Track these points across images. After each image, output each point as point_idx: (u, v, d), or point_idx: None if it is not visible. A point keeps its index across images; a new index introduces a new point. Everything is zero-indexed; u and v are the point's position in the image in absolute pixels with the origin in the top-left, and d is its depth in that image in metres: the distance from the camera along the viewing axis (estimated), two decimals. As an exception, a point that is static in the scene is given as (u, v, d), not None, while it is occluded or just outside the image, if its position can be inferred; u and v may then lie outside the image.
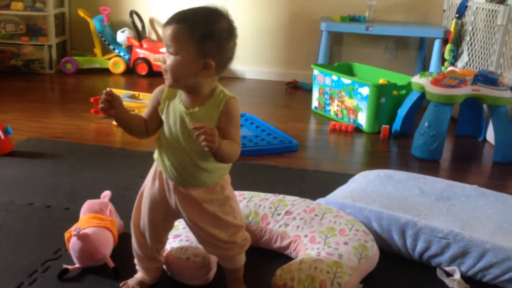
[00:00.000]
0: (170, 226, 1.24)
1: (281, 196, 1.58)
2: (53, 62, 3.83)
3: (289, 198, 1.56)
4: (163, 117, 1.11)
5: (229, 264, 1.22)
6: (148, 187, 1.18)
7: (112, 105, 1.06)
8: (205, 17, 1.02)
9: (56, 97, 3.31)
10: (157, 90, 1.14)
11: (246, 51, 3.91)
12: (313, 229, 1.42)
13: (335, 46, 3.89)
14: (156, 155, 1.16)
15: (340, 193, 1.68)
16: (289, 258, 1.42)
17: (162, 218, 1.18)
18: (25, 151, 2.17)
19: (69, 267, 1.30)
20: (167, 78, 1.05)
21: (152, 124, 1.13)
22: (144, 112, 1.15)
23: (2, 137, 2.10)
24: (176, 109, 1.10)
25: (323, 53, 3.54)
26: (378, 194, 1.63)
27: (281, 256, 1.43)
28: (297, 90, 3.74)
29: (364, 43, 3.87)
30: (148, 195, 1.18)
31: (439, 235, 1.38)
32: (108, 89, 1.06)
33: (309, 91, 3.57)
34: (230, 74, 4.03)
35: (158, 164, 1.15)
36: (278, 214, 1.49)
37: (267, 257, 1.44)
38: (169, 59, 1.03)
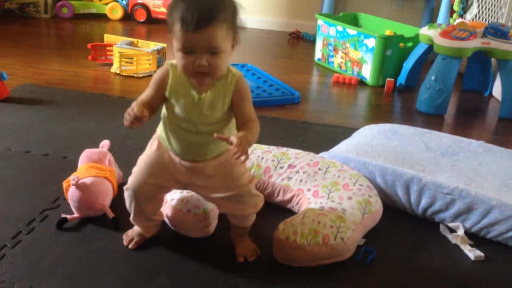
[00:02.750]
0: (168, 191, 1.22)
1: (284, 149, 1.54)
2: (49, 6, 3.70)
3: (292, 151, 1.53)
4: (172, 101, 1.06)
5: (242, 222, 1.21)
6: (148, 154, 1.14)
7: (140, 122, 1.01)
8: (217, 3, 0.96)
9: (52, 42, 3.21)
10: (159, 76, 1.07)
11: (248, -2, 3.78)
12: (317, 183, 1.39)
13: (340, -5, 3.76)
14: (160, 132, 1.12)
15: (343, 147, 1.65)
16: (291, 212, 1.40)
17: (161, 185, 1.15)
18: (20, 97, 2.11)
19: (68, 216, 1.28)
20: (209, 77, 1.01)
21: (157, 105, 1.09)
22: (145, 95, 1.08)
23: (-2, 82, 2.04)
24: (186, 94, 1.05)
25: (328, 3, 3.42)
26: (383, 149, 1.60)
27: (283, 210, 1.41)
28: (300, 41, 3.65)
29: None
30: (148, 160, 1.13)
31: (444, 191, 1.35)
32: (135, 109, 1.00)
33: (312, 42, 3.48)
34: (231, 23, 3.92)
35: (164, 143, 1.12)
36: (281, 167, 1.46)
37: (269, 210, 1.41)
38: (214, 59, 0.97)
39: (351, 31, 2.73)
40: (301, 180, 1.41)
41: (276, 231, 1.20)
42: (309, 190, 1.38)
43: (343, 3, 3.79)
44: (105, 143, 1.51)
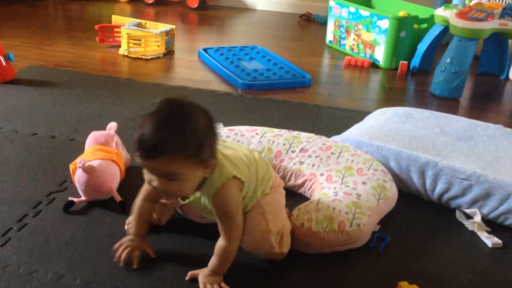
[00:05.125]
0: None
1: (296, 132, 1.50)
2: (56, -13, 3.65)
3: (304, 135, 1.48)
4: None
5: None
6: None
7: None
8: (185, 127, 0.88)
9: (59, 24, 3.17)
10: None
11: (258, -21, 3.71)
12: (330, 167, 1.35)
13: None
14: None
15: (356, 131, 1.60)
16: (303, 197, 1.37)
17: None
18: (27, 79, 2.08)
19: (75, 199, 1.25)
20: (173, 197, 1.04)
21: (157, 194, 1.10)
22: (146, 192, 1.11)
23: (4, 64, 2.00)
24: None
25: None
26: (397, 133, 1.55)
27: (295, 195, 1.38)
28: (310, 23, 3.57)
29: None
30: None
31: (461, 176, 1.31)
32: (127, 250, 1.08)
33: (323, 24, 3.41)
34: (240, 5, 3.84)
35: None
36: (293, 151, 1.42)
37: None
38: (169, 185, 0.92)
39: (364, 12, 2.66)
40: (313, 165, 1.38)
41: (290, 218, 1.17)
42: (322, 174, 1.35)
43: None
44: (112, 125, 1.48)
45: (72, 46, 2.61)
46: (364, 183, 1.28)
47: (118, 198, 1.26)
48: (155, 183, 0.92)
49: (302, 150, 1.42)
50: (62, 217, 1.22)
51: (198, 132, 0.90)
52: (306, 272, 1.10)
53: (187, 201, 1.04)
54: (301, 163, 1.39)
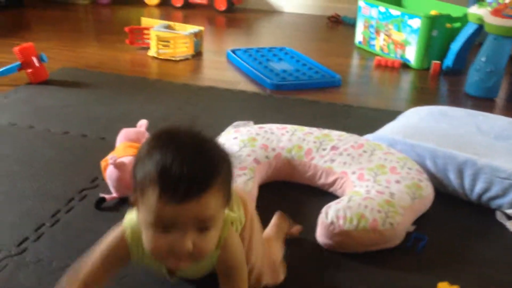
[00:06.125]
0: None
1: (326, 130, 1.47)
2: (87, -8, 3.72)
3: (335, 133, 1.46)
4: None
5: None
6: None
7: None
8: (213, 158, 0.68)
9: (90, 27, 3.22)
10: (113, 246, 0.79)
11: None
12: (362, 165, 1.32)
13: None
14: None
15: (389, 130, 1.56)
16: (334, 196, 1.34)
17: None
18: (60, 80, 2.11)
19: (106, 196, 1.25)
20: (191, 261, 0.70)
21: (107, 276, 0.80)
22: (90, 270, 0.79)
23: (37, 65, 2.04)
24: (156, 269, 0.82)
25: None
26: (432, 131, 1.51)
27: (326, 194, 1.35)
28: (339, 25, 3.54)
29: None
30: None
31: (502, 175, 1.26)
32: None
33: (352, 25, 3.37)
34: (268, 8, 3.84)
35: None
36: (324, 149, 1.39)
37: (310, 194, 1.36)
38: (203, 238, 0.68)
39: (395, 11, 2.61)
40: (345, 163, 1.35)
41: (320, 215, 1.14)
42: (353, 173, 1.31)
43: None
44: (142, 123, 1.48)
45: (103, 48, 2.64)
46: (398, 181, 1.24)
47: (148, 195, 1.25)
48: (180, 243, 0.66)
49: (333, 148, 1.39)
50: (93, 213, 1.22)
51: (225, 164, 0.70)
52: (340, 272, 1.07)
53: (181, 270, 0.81)
54: (332, 161, 1.36)
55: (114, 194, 1.26)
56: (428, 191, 1.25)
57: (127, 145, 1.34)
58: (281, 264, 1.02)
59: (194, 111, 1.88)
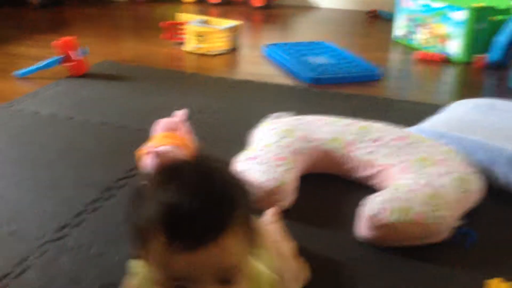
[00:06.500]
0: None
1: (367, 122, 1.43)
2: (125, -11, 3.77)
3: (375, 125, 1.41)
4: None
5: None
6: None
7: None
8: (227, 190, 0.55)
9: (128, 23, 3.27)
10: None
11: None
12: (405, 158, 1.27)
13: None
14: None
15: (433, 123, 1.51)
16: (374, 190, 1.29)
17: None
18: (99, 73, 2.14)
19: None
20: None
21: None
22: None
23: (78, 58, 2.07)
24: None
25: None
26: (479, 124, 1.44)
27: (365, 187, 1.30)
28: (377, 20, 3.46)
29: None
30: None
31: (556, 169, 1.19)
32: None
33: (390, 20, 3.29)
34: (304, 3, 3.80)
35: None
36: (364, 141, 1.35)
37: (350, 186, 1.32)
38: None
39: (437, 4, 2.53)
40: (386, 155, 1.30)
41: (361, 207, 1.10)
42: (396, 165, 1.26)
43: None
44: (180, 113, 1.47)
45: (139, 43, 2.67)
46: (444, 174, 1.19)
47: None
48: None
49: (374, 140, 1.34)
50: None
51: (246, 197, 0.58)
52: (385, 266, 1.03)
53: None
54: (373, 153, 1.32)
55: (152, 184, 1.25)
56: (476, 185, 1.19)
57: (164, 135, 1.33)
58: (300, 264, 0.93)
59: (230, 104, 1.86)
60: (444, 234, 1.10)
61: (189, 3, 3.78)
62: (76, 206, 1.19)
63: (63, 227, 1.11)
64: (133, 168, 1.37)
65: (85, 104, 1.82)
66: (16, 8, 3.33)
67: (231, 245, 0.52)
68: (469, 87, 2.18)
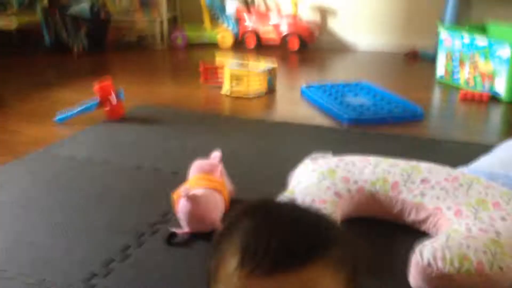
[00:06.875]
0: None
1: (414, 162, 1.34)
2: (165, 37, 3.85)
3: (424, 165, 1.32)
4: None
5: None
6: None
7: None
8: (319, 226, 0.50)
9: (166, 68, 3.32)
10: None
11: (357, 17, 3.63)
12: (458, 200, 1.17)
13: (461, 6, 3.44)
14: None
15: (486, 163, 1.40)
16: (427, 235, 1.19)
17: None
18: (135, 117, 2.14)
19: (178, 231, 1.19)
20: None
21: None
22: None
23: (115, 102, 2.08)
24: None
25: (451, 12, 3.12)
26: (538, 164, 1.33)
27: (417, 232, 1.20)
28: (416, 60, 3.39)
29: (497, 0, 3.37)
30: None
31: None
32: None
33: (431, 60, 3.21)
34: (341, 46, 3.77)
35: None
36: (413, 182, 1.25)
37: (399, 232, 1.22)
38: None
39: (481, 41, 2.44)
40: (438, 197, 1.20)
41: (413, 255, 1.00)
42: (449, 208, 1.16)
43: (467, 14, 3.46)
44: (216, 155, 1.42)
45: (177, 87, 2.69)
46: (503, 219, 1.08)
47: (221, 230, 1.17)
48: None
49: (423, 181, 1.25)
50: (164, 249, 1.16)
51: (348, 249, 0.51)
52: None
53: None
54: (423, 195, 1.22)
55: (186, 229, 1.20)
56: (542, 230, 1.07)
57: (199, 177, 1.28)
58: None
59: (268, 146, 1.81)
60: (506, 285, 0.98)
61: (227, 48, 3.82)
62: (106, 254, 1.14)
63: (91, 277, 1.06)
64: (167, 213, 1.31)
65: (121, 148, 1.81)
66: (61, 55, 3.44)
67: (316, 280, 0.45)
68: (520, 126, 2.06)
